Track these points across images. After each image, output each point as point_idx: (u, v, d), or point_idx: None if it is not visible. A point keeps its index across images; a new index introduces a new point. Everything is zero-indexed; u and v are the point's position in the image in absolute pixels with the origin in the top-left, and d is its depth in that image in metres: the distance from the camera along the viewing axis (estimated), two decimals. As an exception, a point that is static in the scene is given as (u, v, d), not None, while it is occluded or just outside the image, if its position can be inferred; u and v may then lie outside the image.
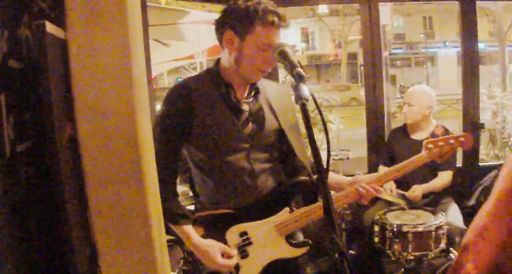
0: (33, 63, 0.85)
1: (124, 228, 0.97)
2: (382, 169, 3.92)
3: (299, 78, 1.53)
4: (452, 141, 2.23)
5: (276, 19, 1.88)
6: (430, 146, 2.21)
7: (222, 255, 1.97)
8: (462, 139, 2.25)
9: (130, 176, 0.94)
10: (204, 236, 2.02)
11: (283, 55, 1.70)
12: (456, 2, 4.29)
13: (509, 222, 1.08)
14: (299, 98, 1.45)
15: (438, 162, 2.32)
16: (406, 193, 3.50)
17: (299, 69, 1.58)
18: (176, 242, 2.90)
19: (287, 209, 2.04)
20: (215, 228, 2.03)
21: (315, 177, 2.06)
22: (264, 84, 2.14)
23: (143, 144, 0.96)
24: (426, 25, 33.43)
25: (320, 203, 2.01)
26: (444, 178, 3.62)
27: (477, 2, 4.28)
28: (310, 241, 2.12)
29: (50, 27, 0.83)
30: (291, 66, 1.61)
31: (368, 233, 3.53)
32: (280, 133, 2.10)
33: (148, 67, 3.45)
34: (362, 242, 3.81)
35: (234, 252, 2.00)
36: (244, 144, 2.02)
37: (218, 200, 2.06)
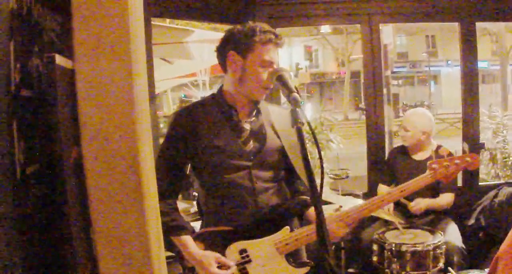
0: (43, 92, 0.92)
1: (124, 246, 1.03)
2: (382, 188, 3.94)
3: (295, 103, 1.62)
4: (458, 161, 2.18)
5: (273, 37, 2.00)
6: (435, 166, 2.17)
7: (220, 267, 1.99)
8: (468, 159, 2.20)
9: (131, 197, 1.00)
10: None
11: (281, 80, 1.79)
12: (456, 23, 4.35)
13: None
14: (295, 123, 1.54)
15: (444, 182, 2.28)
16: (409, 204, 3.50)
17: (296, 94, 1.66)
18: (176, 258, 2.93)
19: (287, 227, 2.05)
20: (215, 245, 2.06)
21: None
22: (267, 107, 2.20)
23: (143, 167, 1.02)
24: (429, 43, 33.63)
25: None
26: (446, 199, 3.63)
27: (478, 23, 4.34)
28: (311, 262, 2.12)
29: (59, 59, 0.90)
30: (288, 91, 1.70)
31: (367, 252, 3.55)
32: (284, 153, 2.13)
33: (151, 84, 3.51)
34: (361, 261, 3.82)
35: (231, 262, 2.01)
36: (245, 162, 2.06)
37: (220, 218, 2.10)
